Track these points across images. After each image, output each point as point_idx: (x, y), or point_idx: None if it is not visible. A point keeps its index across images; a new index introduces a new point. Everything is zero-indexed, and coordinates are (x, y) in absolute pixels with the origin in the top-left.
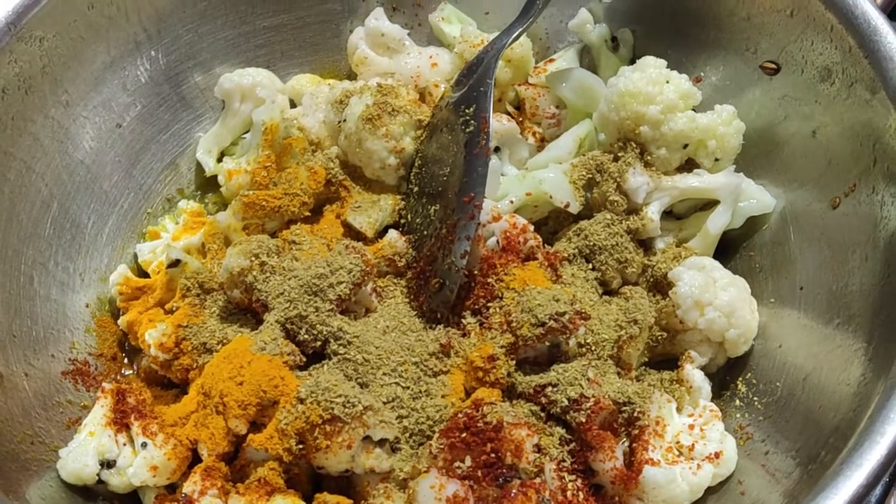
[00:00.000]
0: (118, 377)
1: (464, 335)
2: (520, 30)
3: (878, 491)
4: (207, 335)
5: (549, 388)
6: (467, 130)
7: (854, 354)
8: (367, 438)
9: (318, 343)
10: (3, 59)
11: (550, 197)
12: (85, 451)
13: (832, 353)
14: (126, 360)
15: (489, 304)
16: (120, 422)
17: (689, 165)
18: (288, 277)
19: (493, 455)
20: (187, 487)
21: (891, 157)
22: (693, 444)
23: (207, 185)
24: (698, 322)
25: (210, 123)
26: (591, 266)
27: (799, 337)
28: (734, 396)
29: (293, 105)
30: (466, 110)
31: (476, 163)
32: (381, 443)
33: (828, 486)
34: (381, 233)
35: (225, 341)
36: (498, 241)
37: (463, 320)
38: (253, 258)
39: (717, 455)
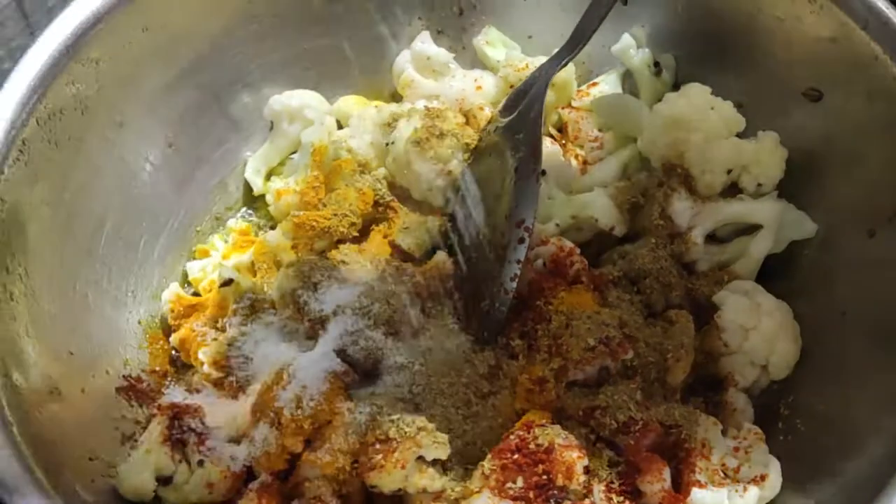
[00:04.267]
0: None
1: (512, 357)
2: (568, 57)
3: None
4: (260, 352)
5: (599, 411)
6: (517, 156)
7: None
8: (420, 458)
9: (370, 364)
10: (61, 80)
11: (596, 220)
12: (143, 467)
13: (875, 380)
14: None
15: (537, 327)
16: (175, 439)
17: (732, 191)
18: (340, 298)
19: (544, 476)
20: None
21: None
22: (738, 467)
23: (255, 203)
24: (742, 346)
25: (258, 144)
26: (636, 289)
27: (841, 362)
28: (776, 420)
29: (340, 126)
30: (517, 136)
31: (527, 188)
32: (434, 463)
33: None
34: (429, 254)
35: (277, 358)
36: (545, 264)
37: (511, 342)
38: (305, 279)
39: (762, 478)
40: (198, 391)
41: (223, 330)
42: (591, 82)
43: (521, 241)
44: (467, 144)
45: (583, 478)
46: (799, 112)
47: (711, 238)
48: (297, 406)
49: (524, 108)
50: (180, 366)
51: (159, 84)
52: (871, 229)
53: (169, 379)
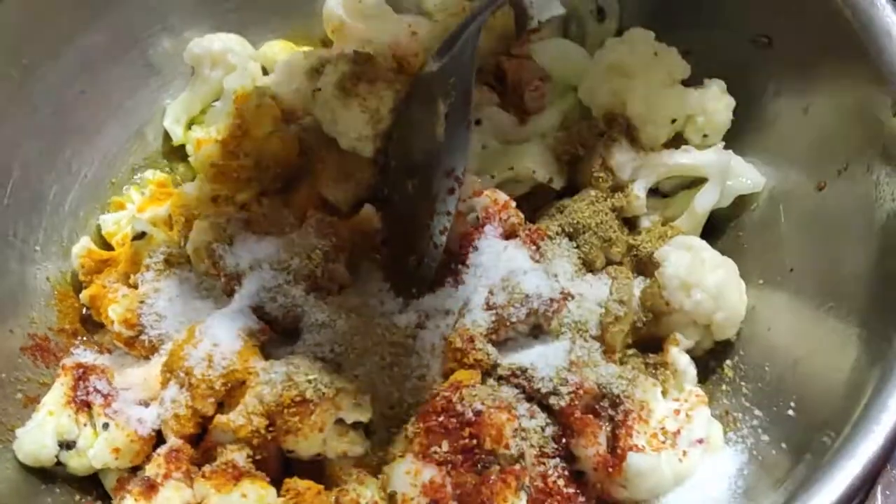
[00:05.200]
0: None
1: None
2: None
3: None
4: (173, 310)
5: (531, 371)
6: (448, 102)
7: (847, 339)
8: (339, 421)
9: (290, 322)
10: None
11: (533, 172)
12: (43, 431)
13: (824, 337)
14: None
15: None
16: (80, 401)
17: (676, 142)
18: (258, 253)
19: (471, 440)
20: (150, 470)
21: (887, 136)
22: (678, 430)
23: (175, 154)
24: (685, 304)
25: (179, 91)
26: (574, 245)
27: (789, 320)
28: (721, 381)
29: (265, 73)
30: (448, 81)
31: (458, 135)
32: (355, 426)
33: (822, 477)
34: (357, 207)
35: (192, 315)
36: (478, 217)
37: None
38: (221, 232)
39: (702, 441)
40: (108, 351)
41: (135, 286)
42: (532, 28)
43: (451, 191)
44: (398, 91)
45: (513, 441)
46: (747, 60)
47: (654, 192)
48: (209, 365)
49: (456, 51)
50: (91, 325)
51: (69, 24)
52: (820, 183)
53: (78, 339)
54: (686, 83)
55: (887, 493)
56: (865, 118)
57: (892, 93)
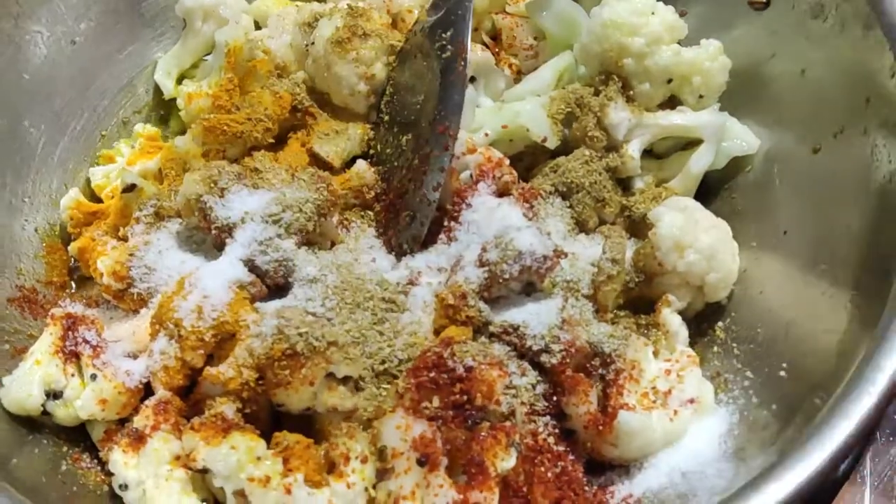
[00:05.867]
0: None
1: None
2: None
3: None
4: (163, 263)
5: (522, 329)
6: (443, 56)
7: (840, 301)
8: (330, 375)
9: (281, 275)
10: None
11: (527, 130)
12: (30, 380)
13: (817, 299)
14: (76, 289)
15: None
16: (69, 351)
17: (671, 103)
18: (249, 205)
19: (462, 396)
20: (138, 422)
21: (884, 98)
22: (669, 390)
23: (166, 108)
24: (677, 265)
25: (170, 44)
26: (567, 204)
27: (782, 283)
28: (712, 342)
29: (258, 26)
30: (443, 35)
31: (452, 90)
32: (345, 380)
33: (812, 438)
34: (349, 163)
35: (182, 269)
36: (472, 175)
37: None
38: (212, 184)
39: (693, 402)
40: (97, 305)
41: (125, 239)
42: None
43: (445, 147)
44: (392, 46)
45: (504, 398)
46: (744, 22)
47: (649, 153)
48: (198, 317)
49: (452, 5)
50: (79, 277)
51: None
52: (815, 145)
53: (66, 292)
54: (683, 43)
55: (876, 459)
56: (863, 80)
57: (890, 55)
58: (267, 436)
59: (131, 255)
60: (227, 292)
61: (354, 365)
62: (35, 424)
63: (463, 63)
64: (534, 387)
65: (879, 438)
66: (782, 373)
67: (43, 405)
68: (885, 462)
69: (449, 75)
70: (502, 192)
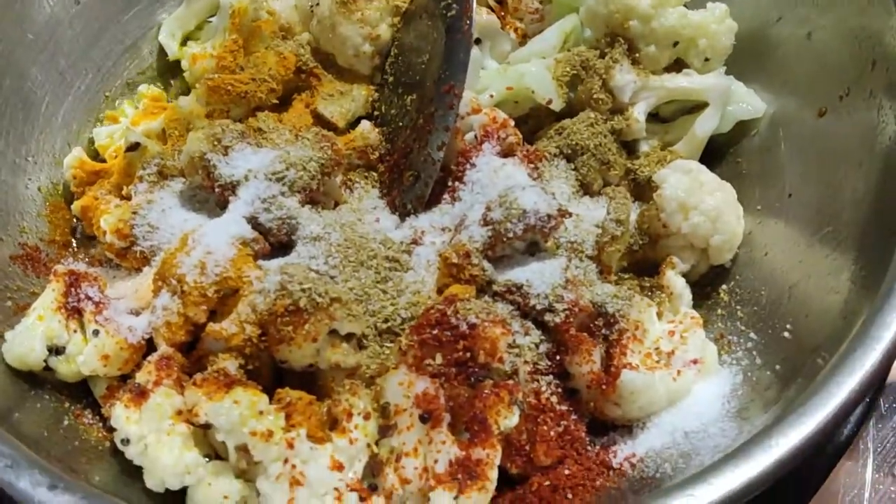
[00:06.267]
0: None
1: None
2: None
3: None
4: (166, 221)
5: (526, 288)
6: (449, 14)
7: (844, 264)
8: (333, 332)
9: (284, 233)
10: None
11: (532, 92)
12: (32, 335)
13: (821, 262)
14: (78, 248)
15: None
16: (71, 307)
17: (677, 66)
18: (253, 163)
19: (465, 353)
20: (140, 378)
21: (890, 61)
22: (673, 351)
23: (170, 70)
24: (682, 226)
25: (175, 6)
26: (572, 167)
27: (786, 246)
28: (716, 305)
29: None
30: None
31: (457, 49)
32: (348, 337)
33: (814, 396)
34: (354, 124)
35: (185, 227)
36: (476, 136)
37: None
38: (216, 142)
39: (696, 362)
40: (100, 264)
41: (128, 198)
42: None
43: (450, 106)
44: (397, 7)
45: (507, 356)
46: None
47: (654, 117)
48: (201, 273)
49: None
50: (82, 237)
51: None
52: (821, 109)
53: (69, 250)
54: (689, 6)
55: (879, 425)
56: (869, 43)
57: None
58: (270, 392)
59: (134, 213)
60: (230, 248)
61: (357, 322)
62: (37, 380)
63: (468, 22)
64: (537, 346)
65: (882, 405)
66: (786, 334)
67: (45, 361)
68: (887, 430)
69: (454, 34)
70: (507, 154)
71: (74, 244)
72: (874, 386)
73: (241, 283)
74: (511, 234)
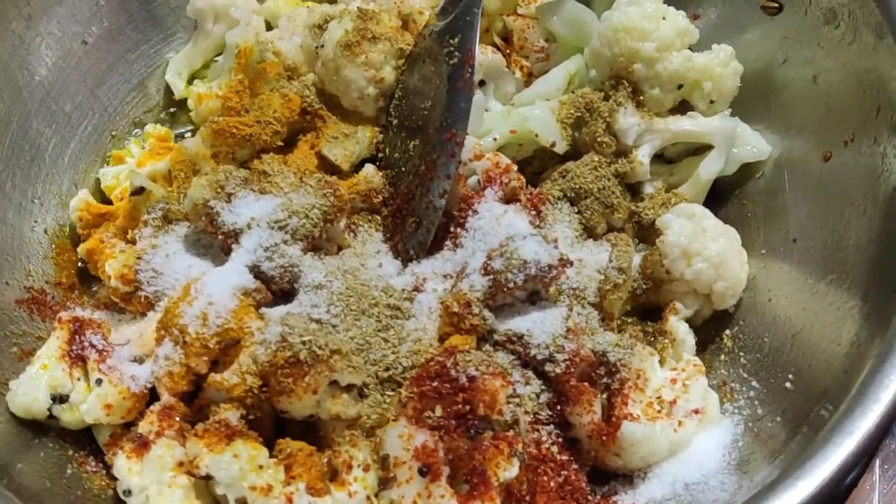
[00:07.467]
0: (75, 308)
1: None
2: None
3: None
4: (171, 267)
5: (527, 337)
6: (451, 62)
7: (848, 313)
8: (333, 383)
9: (286, 281)
10: None
11: (536, 135)
12: (36, 384)
13: (825, 310)
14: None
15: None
16: (75, 355)
17: (682, 108)
18: (256, 211)
19: (465, 405)
20: (143, 427)
21: (895, 108)
22: (675, 399)
23: (177, 109)
24: (685, 272)
25: (181, 44)
26: (575, 210)
27: (790, 291)
28: (719, 350)
29: (269, 27)
30: (451, 41)
31: (459, 97)
32: (349, 388)
33: (818, 451)
34: (358, 167)
35: (189, 273)
36: (479, 181)
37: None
38: (219, 189)
39: (698, 412)
40: (105, 307)
41: (133, 242)
42: None
43: (452, 154)
44: (402, 50)
45: (507, 408)
46: (756, 26)
47: (659, 158)
48: (203, 323)
49: (460, 11)
50: (87, 280)
51: None
52: (826, 153)
53: (75, 293)
54: (694, 49)
55: (885, 466)
56: (874, 89)
57: None
58: (270, 442)
59: (139, 258)
60: (231, 299)
61: (358, 373)
62: (41, 427)
63: (470, 71)
64: (538, 396)
65: (890, 444)
66: (788, 384)
67: (49, 409)
68: (894, 469)
69: (456, 82)
70: (509, 199)
71: (80, 286)
72: (880, 439)
73: (243, 334)
74: (512, 284)
